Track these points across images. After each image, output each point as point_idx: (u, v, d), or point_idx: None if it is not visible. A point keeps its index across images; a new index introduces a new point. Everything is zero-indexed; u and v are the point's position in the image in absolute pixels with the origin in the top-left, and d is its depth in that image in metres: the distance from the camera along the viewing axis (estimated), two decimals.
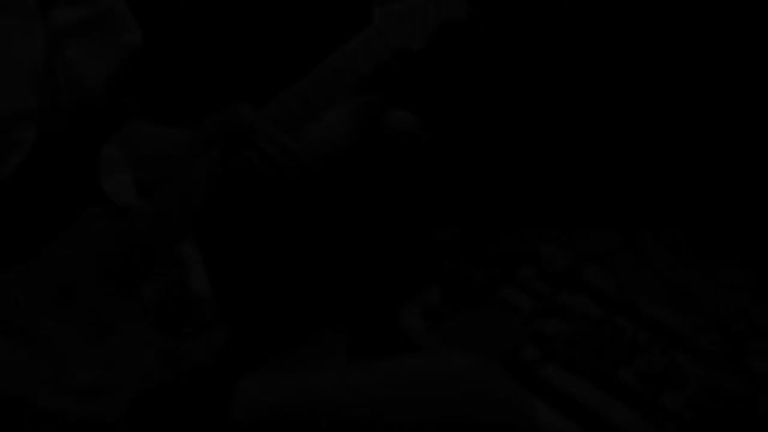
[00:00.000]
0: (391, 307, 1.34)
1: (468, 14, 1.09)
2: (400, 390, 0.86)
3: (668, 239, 2.12)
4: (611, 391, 1.56)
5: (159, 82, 0.97)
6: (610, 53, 2.24)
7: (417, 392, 0.86)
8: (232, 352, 0.90)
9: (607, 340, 1.62)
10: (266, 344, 1.06)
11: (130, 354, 0.84)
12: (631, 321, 1.73)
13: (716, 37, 2.14)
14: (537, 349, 1.66)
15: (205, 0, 1.60)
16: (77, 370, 0.82)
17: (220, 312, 0.95)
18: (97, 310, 0.85)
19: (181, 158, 0.92)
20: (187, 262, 0.98)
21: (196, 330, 0.89)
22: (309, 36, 1.45)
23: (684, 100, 2.32)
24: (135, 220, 0.88)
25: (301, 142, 0.92)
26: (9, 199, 0.85)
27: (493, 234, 1.97)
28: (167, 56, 1.09)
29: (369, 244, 1.23)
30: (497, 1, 1.85)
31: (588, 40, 2.23)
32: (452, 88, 2.27)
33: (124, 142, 0.92)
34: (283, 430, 0.85)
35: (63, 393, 0.77)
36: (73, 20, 0.91)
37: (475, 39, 2.10)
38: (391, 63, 1.02)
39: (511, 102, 2.26)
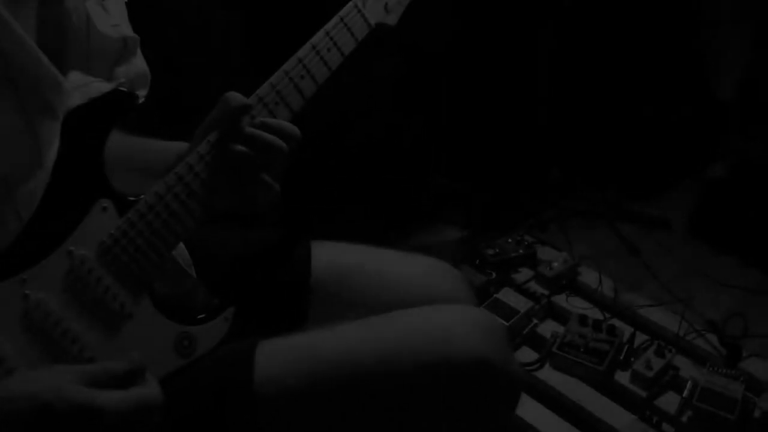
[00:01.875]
0: None
1: None
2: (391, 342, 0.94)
3: (665, 240, 2.12)
4: (608, 393, 1.56)
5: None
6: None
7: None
8: (239, 333, 0.94)
9: (604, 342, 1.62)
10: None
11: (147, 343, 0.88)
12: (628, 323, 1.73)
13: None
14: (534, 350, 1.66)
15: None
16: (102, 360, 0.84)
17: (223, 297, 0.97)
18: (116, 303, 0.87)
19: (181, 156, 0.93)
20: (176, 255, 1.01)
21: (208, 315, 0.93)
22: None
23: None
24: (146, 214, 0.89)
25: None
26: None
27: (492, 236, 1.97)
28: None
29: None
30: None
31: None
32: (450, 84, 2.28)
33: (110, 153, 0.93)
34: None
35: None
36: None
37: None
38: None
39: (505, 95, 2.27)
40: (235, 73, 1.86)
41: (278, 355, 0.92)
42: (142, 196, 0.89)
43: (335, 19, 1.01)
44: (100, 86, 0.93)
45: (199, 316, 0.93)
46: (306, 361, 0.92)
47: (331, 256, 1.11)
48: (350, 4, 1.02)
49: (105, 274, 0.87)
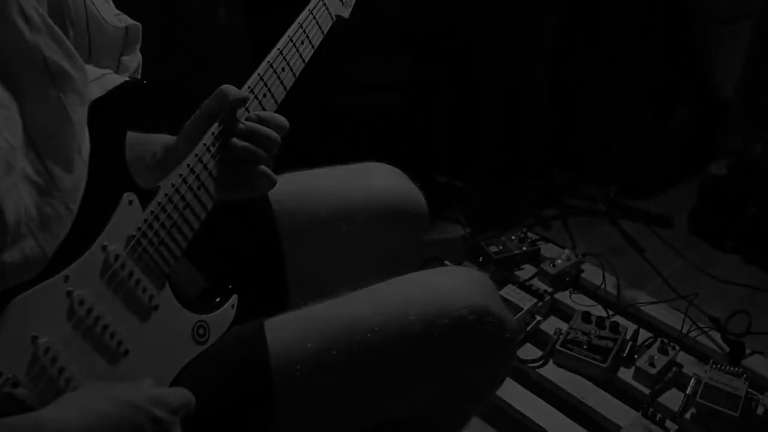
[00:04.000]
0: None
1: None
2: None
3: (668, 238, 2.12)
4: (611, 390, 1.56)
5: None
6: None
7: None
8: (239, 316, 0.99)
9: (607, 339, 1.62)
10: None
11: (171, 333, 0.91)
12: (632, 320, 1.73)
13: None
14: (538, 347, 1.66)
15: None
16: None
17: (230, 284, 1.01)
18: (145, 296, 0.89)
19: (184, 143, 0.97)
20: None
21: (218, 304, 0.98)
22: None
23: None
24: (166, 206, 0.91)
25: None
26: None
27: (494, 233, 1.97)
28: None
29: None
30: None
31: None
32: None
33: None
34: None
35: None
36: None
37: None
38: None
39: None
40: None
41: (287, 328, 0.96)
42: (160, 188, 0.91)
43: (305, 12, 1.07)
44: (113, 78, 0.95)
45: (215, 302, 0.97)
46: (315, 329, 0.95)
47: (281, 186, 1.14)
48: None
49: (135, 267, 0.88)
